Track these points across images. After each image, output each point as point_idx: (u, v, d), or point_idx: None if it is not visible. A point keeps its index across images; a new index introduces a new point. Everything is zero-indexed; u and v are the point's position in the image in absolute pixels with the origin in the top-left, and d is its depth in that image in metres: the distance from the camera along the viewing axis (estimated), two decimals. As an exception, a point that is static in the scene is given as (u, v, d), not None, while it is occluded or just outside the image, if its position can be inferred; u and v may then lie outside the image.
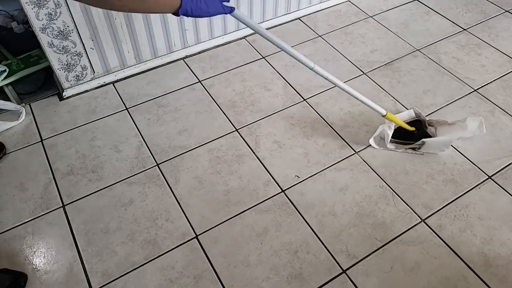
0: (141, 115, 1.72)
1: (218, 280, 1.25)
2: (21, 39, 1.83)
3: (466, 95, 1.80)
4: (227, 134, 1.65)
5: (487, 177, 1.50)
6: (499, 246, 1.32)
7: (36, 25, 1.53)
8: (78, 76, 1.77)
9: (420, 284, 1.24)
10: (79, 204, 1.43)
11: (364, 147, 1.60)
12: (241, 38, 2.07)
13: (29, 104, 1.77)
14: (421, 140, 1.54)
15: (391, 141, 1.57)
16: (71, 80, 1.77)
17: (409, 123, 1.60)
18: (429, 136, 1.56)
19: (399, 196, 1.45)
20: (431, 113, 1.72)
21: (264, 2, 2.02)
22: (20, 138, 1.64)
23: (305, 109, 1.74)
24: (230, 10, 1.06)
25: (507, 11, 2.24)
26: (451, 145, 1.58)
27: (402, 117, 1.62)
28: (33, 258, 1.30)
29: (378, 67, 1.92)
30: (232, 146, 1.60)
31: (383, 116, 1.51)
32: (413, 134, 1.59)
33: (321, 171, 1.52)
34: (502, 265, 1.28)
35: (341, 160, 1.55)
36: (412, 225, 1.37)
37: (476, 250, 1.31)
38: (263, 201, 1.44)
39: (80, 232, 1.36)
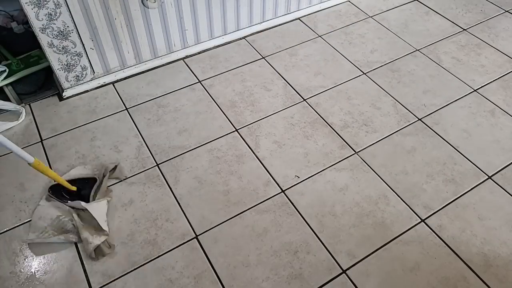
0: (141, 115, 1.72)
1: (218, 280, 1.25)
2: (21, 39, 1.83)
3: (466, 95, 1.80)
4: (227, 134, 1.65)
5: (487, 177, 1.50)
6: (499, 246, 1.32)
7: (36, 25, 1.53)
8: (78, 76, 1.77)
9: (420, 284, 1.24)
10: (79, 204, 1.43)
11: (364, 147, 1.60)
12: (241, 38, 2.07)
13: (29, 104, 1.77)
14: (78, 202, 1.33)
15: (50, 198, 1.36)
16: (71, 80, 1.77)
17: (82, 180, 1.41)
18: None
19: (399, 196, 1.45)
20: (431, 113, 1.72)
21: (264, 2, 2.02)
22: (20, 138, 1.64)
23: (305, 109, 1.74)
24: None
25: (507, 11, 2.24)
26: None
27: (77, 172, 1.45)
28: (33, 258, 1.30)
29: (378, 67, 1.92)
30: (232, 146, 1.60)
31: (29, 164, 1.20)
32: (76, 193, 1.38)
33: (321, 171, 1.52)
34: (502, 265, 1.28)
35: (341, 160, 1.55)
36: (412, 225, 1.37)
37: (476, 250, 1.31)
38: (263, 201, 1.44)
39: (80, 232, 1.36)
